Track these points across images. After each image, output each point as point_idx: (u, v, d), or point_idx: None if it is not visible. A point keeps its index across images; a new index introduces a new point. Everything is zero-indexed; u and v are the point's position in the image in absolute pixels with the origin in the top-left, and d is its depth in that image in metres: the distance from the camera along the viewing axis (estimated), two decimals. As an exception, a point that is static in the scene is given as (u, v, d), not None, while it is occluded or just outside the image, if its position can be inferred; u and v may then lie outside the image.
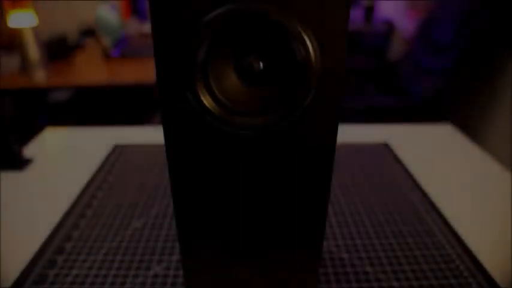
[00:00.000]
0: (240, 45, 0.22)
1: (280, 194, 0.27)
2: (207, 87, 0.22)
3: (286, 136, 0.25)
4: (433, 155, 0.63)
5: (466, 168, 0.59)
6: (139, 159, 0.61)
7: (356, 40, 2.58)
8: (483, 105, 1.43)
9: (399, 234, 0.44)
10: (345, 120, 1.34)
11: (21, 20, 1.38)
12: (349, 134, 0.70)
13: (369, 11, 2.52)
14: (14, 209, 0.49)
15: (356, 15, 2.63)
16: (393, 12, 2.49)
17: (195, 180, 0.26)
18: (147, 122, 1.58)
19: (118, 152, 0.63)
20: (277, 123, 0.23)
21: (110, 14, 1.79)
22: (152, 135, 0.71)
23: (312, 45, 0.21)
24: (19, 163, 0.58)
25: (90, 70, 1.59)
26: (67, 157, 0.63)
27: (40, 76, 1.46)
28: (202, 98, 0.22)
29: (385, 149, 0.64)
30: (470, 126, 1.51)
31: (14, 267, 0.39)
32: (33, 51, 1.43)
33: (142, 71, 1.55)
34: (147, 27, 2.34)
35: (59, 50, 1.69)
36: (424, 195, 0.51)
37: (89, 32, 2.29)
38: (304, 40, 0.21)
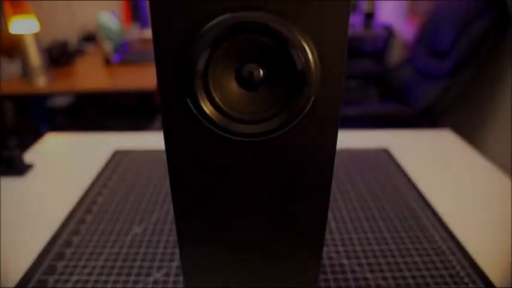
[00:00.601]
0: (240, 54, 0.22)
1: (280, 199, 0.27)
2: (208, 95, 0.22)
3: (286, 142, 0.25)
4: (433, 160, 0.63)
5: (466, 174, 0.59)
6: (139, 165, 0.61)
7: (356, 45, 2.59)
8: (483, 110, 1.44)
9: (399, 240, 0.44)
10: (345, 125, 1.34)
11: (23, 26, 1.39)
12: (349, 139, 0.70)
13: (369, 16, 2.53)
14: (14, 214, 0.49)
15: (356, 20, 2.64)
16: (393, 17, 2.50)
17: (196, 185, 0.27)
18: (147, 127, 1.58)
19: (118, 157, 0.64)
20: (277, 130, 0.23)
21: (110, 20, 1.80)
22: (152, 140, 0.71)
23: (312, 54, 0.22)
24: (20, 168, 0.59)
25: (90, 75, 1.60)
26: (67, 163, 0.63)
27: (41, 82, 1.47)
28: (203, 105, 0.22)
29: (385, 154, 0.64)
30: (471, 131, 1.51)
31: (14, 273, 0.39)
32: (35, 57, 1.44)
33: (143, 77, 1.56)
34: (147, 33, 2.35)
35: (60, 55, 1.69)
36: (424, 201, 0.51)
37: (90, 38, 2.30)
38: (304, 49, 0.21)
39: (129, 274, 0.39)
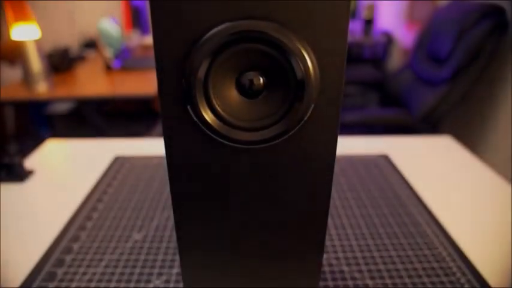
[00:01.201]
0: (241, 62, 0.22)
1: (280, 205, 0.27)
2: (208, 102, 0.23)
3: (286, 149, 0.25)
4: (433, 166, 0.63)
5: (466, 180, 0.59)
6: (140, 171, 0.61)
7: (356, 51, 2.60)
8: (483, 116, 1.44)
9: (399, 247, 0.44)
10: (345, 132, 1.34)
11: (24, 32, 1.40)
12: (348, 146, 0.71)
13: (368, 23, 2.54)
14: (14, 220, 0.49)
15: (355, 27, 2.65)
16: (392, 24, 2.52)
17: (196, 191, 0.27)
18: (147, 133, 1.59)
19: (119, 163, 0.64)
20: (277, 137, 0.24)
21: (111, 27, 1.81)
22: (153, 147, 0.71)
23: (312, 63, 0.22)
24: (20, 174, 0.59)
25: (91, 82, 1.60)
26: (68, 169, 0.63)
27: (42, 88, 1.48)
28: (203, 113, 0.23)
29: (385, 160, 0.64)
30: (471, 136, 1.51)
31: (14, 279, 0.39)
32: (36, 63, 1.44)
33: (143, 83, 1.57)
34: (148, 39, 2.36)
35: (60, 62, 1.70)
36: (424, 207, 0.51)
37: (91, 44, 2.31)
38: (303, 57, 0.21)
39: (129, 281, 0.39)
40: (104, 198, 0.54)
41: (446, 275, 0.40)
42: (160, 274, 0.40)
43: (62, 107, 2.00)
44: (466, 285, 0.38)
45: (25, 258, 0.43)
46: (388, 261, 0.42)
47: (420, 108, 1.42)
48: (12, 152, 0.59)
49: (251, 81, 0.23)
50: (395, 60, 2.45)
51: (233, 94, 0.23)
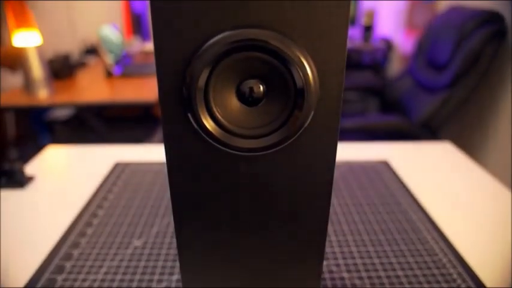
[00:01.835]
0: (241, 70, 0.22)
1: (279, 211, 0.27)
2: (208, 110, 0.23)
3: (286, 156, 0.25)
4: (433, 173, 0.63)
5: (466, 187, 0.59)
6: (140, 177, 0.61)
7: (355, 58, 2.61)
8: (483, 122, 1.44)
9: (400, 253, 0.44)
10: (344, 138, 1.34)
11: (26, 39, 1.41)
12: (348, 152, 0.71)
13: (368, 29, 2.56)
14: (14, 226, 0.49)
15: (355, 33, 2.67)
16: (391, 30, 2.53)
17: (196, 198, 0.27)
18: (147, 139, 1.59)
19: (119, 170, 0.64)
20: (277, 145, 0.24)
21: (112, 33, 1.82)
22: (153, 153, 0.71)
23: (311, 71, 0.22)
24: (20, 181, 0.59)
25: (92, 88, 1.61)
26: (68, 175, 0.63)
27: (43, 94, 1.48)
28: (203, 120, 0.23)
29: (385, 167, 0.64)
30: (471, 142, 1.52)
31: (14, 285, 0.39)
32: (37, 70, 1.45)
33: (144, 89, 1.57)
34: (149, 46, 2.37)
35: (61, 68, 1.71)
36: (424, 213, 0.51)
37: (92, 51, 2.32)
38: (303, 66, 0.22)
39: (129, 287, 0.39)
40: (104, 205, 0.54)
41: (447, 281, 0.40)
42: (160, 281, 0.40)
43: (62, 113, 2.00)
44: (467, 292, 0.38)
45: (25, 264, 0.43)
46: (388, 267, 0.42)
47: (420, 115, 1.42)
48: (13, 158, 0.59)
49: (251, 89, 0.23)
50: (394, 67, 2.46)
51: (233, 102, 0.23)
